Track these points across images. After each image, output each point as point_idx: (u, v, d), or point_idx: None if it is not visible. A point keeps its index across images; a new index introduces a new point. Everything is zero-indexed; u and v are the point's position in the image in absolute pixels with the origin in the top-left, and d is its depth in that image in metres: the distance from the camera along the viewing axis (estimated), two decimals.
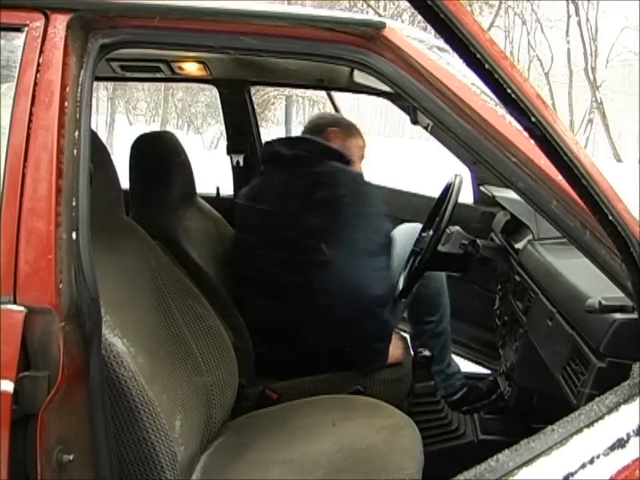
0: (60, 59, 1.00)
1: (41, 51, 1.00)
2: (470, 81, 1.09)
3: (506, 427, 1.75)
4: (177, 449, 1.17)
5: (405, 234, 2.11)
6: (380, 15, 13.00)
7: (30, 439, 0.89)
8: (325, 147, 1.91)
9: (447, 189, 1.96)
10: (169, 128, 15.31)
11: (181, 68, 2.11)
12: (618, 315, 1.09)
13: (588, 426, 0.92)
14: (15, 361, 0.88)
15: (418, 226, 2.13)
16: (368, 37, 1.09)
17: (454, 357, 2.40)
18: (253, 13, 1.08)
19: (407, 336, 2.10)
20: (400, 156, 13.19)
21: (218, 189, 2.54)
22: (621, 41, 20.95)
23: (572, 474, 0.88)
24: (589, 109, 18.49)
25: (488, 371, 2.34)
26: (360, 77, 2.03)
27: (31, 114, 0.97)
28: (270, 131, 11.49)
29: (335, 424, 1.39)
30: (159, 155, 1.83)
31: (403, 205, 2.56)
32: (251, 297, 1.80)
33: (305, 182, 1.78)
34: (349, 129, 2.08)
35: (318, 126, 2.06)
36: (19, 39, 1.01)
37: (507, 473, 0.90)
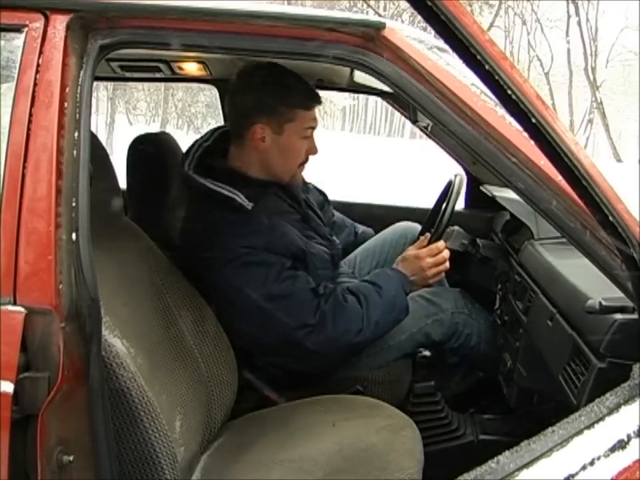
0: (60, 60, 1.00)
1: (41, 52, 1.00)
2: (470, 81, 1.09)
3: (506, 427, 1.75)
4: (176, 449, 1.17)
5: (402, 233, 2.03)
6: (380, 15, 13.03)
7: (30, 439, 0.89)
8: (221, 171, 1.58)
9: (447, 189, 1.95)
10: (168, 128, 15.31)
11: (180, 68, 2.10)
12: (618, 316, 1.09)
13: (588, 427, 0.92)
14: (15, 362, 0.88)
15: (413, 225, 2.08)
16: (368, 37, 1.09)
17: None
18: (253, 13, 1.07)
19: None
20: (400, 156, 13.19)
21: None
22: (621, 40, 21.00)
23: (572, 475, 0.88)
24: (589, 109, 18.52)
25: None
26: (360, 77, 2.03)
27: (30, 114, 0.97)
28: None
29: (334, 424, 1.39)
30: (156, 156, 1.83)
31: (381, 218, 2.40)
32: None
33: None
34: (280, 114, 1.55)
35: (239, 125, 1.60)
36: (18, 40, 1.01)
37: (508, 475, 0.90)
